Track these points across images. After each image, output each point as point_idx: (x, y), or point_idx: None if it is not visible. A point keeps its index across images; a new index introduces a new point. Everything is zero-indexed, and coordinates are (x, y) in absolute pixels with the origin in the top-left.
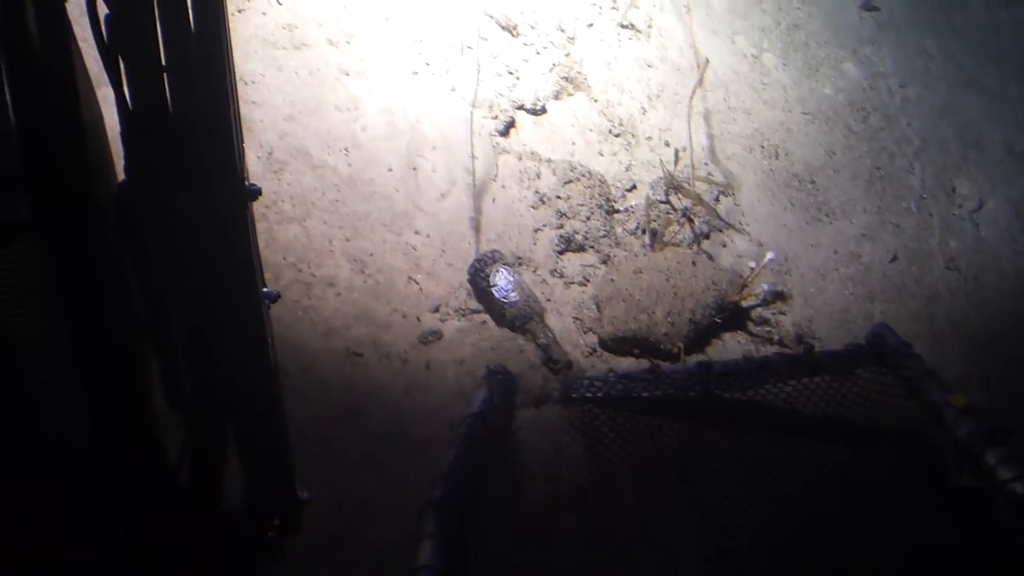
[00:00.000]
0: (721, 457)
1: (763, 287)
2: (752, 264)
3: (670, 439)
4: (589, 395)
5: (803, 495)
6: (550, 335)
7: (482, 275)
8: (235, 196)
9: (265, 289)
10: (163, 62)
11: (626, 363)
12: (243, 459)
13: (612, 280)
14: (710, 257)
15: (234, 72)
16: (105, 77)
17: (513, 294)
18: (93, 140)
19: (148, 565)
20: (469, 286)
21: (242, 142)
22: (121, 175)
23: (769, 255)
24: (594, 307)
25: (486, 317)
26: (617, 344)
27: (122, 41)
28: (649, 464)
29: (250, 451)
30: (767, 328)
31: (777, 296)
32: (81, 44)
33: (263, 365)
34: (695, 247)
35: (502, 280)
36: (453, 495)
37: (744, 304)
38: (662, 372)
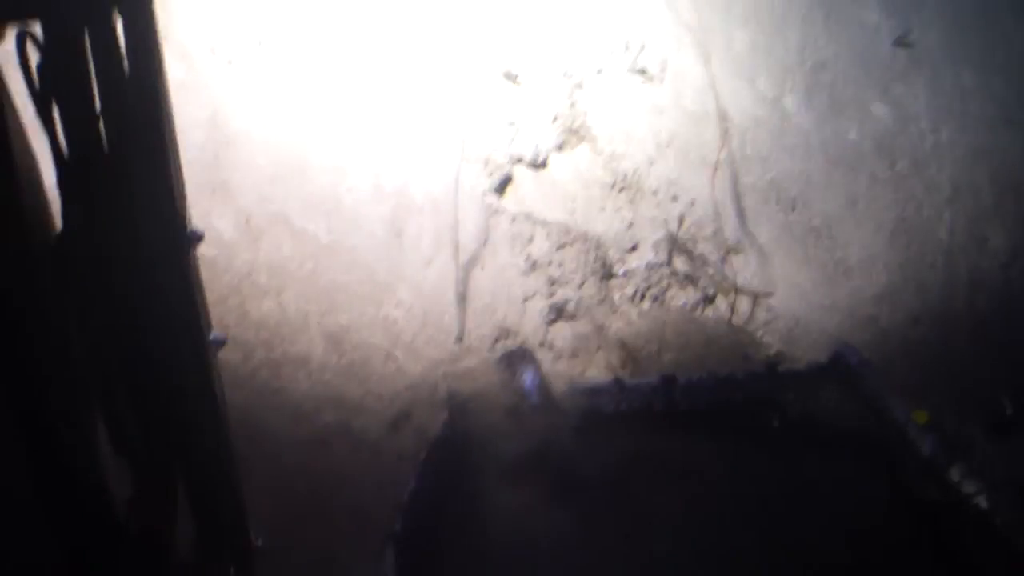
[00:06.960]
0: (686, 467)
1: None
2: None
3: (640, 450)
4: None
5: (767, 508)
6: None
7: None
8: (175, 242)
9: (213, 334)
10: (97, 107)
11: None
12: (194, 506)
13: None
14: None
15: (172, 115)
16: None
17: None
18: (28, 191)
19: None
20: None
21: (183, 188)
22: (60, 224)
23: None
24: None
25: None
26: None
27: (55, 87)
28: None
29: (201, 498)
30: None
31: None
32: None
33: (211, 409)
34: (699, 312)
35: (529, 378)
36: (413, 526)
37: None
38: (625, 384)
